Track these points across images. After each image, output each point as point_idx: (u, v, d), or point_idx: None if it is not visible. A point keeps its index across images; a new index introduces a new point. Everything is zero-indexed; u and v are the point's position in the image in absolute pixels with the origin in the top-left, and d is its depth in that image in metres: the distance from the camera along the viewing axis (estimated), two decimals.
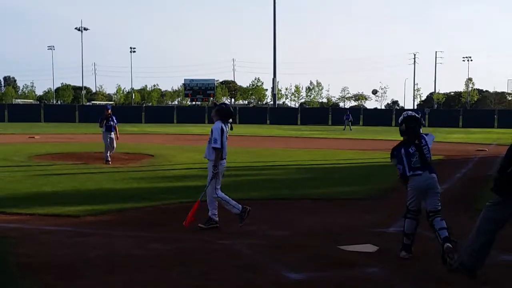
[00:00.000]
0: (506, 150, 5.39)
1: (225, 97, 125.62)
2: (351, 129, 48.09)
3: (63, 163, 17.01)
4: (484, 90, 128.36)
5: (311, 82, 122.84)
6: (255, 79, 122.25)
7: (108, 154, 17.19)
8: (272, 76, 72.47)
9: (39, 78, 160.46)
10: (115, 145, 17.61)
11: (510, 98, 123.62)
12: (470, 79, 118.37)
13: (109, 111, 17.63)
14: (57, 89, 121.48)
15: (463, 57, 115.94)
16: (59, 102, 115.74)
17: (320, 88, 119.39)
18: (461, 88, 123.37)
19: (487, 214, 5.46)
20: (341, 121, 53.89)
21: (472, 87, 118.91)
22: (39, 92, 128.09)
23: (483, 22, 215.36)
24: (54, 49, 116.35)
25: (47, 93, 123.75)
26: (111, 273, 6.00)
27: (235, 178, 14.43)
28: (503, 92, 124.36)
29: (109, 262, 6.40)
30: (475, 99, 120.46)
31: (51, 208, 9.53)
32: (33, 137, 30.17)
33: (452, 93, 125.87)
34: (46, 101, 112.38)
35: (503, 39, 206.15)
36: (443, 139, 32.88)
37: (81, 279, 5.74)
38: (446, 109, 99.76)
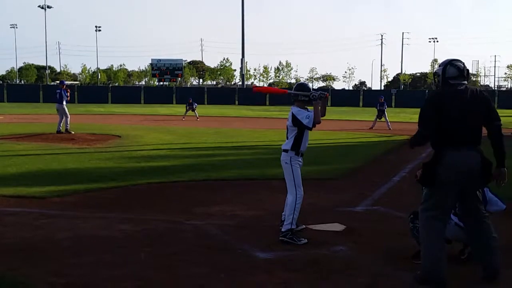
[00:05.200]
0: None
1: (193, 78, 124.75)
2: None
3: (27, 143, 16.68)
4: None
5: (280, 63, 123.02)
6: (224, 59, 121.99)
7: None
8: (240, 57, 72.13)
9: (2, 58, 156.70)
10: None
11: (474, 79, 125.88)
12: (435, 60, 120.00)
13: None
14: (20, 69, 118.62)
15: (429, 38, 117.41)
16: (22, 82, 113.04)
17: (289, 68, 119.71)
18: (427, 69, 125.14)
19: (425, 217, 5.10)
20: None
21: None
22: (1, 71, 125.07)
23: (449, 4, 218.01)
24: (16, 28, 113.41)
25: (9, 72, 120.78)
26: (79, 254, 5.94)
27: (204, 158, 14.41)
28: None
29: (77, 244, 6.33)
30: None
31: (16, 189, 9.35)
32: None
33: (418, 74, 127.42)
34: (9, 81, 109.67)
35: (468, 20, 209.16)
36: (409, 120, 33.38)
37: (48, 261, 5.66)
38: (412, 90, 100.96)
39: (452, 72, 5.01)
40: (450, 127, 4.91)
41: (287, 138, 6.72)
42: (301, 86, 6.88)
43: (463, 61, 5.10)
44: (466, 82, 5.08)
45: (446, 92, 5.02)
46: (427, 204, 5.14)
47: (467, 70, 5.11)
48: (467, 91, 5.00)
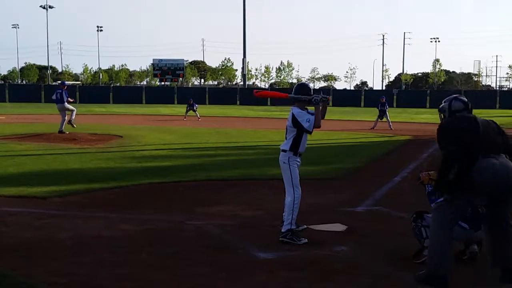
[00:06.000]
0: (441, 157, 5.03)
1: (194, 78, 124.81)
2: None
3: (29, 143, 16.69)
4: (451, 71, 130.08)
5: (281, 63, 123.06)
6: (225, 59, 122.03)
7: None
8: (242, 57, 72.24)
9: (3, 57, 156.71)
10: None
11: (476, 79, 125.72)
12: (437, 60, 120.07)
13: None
14: (22, 69, 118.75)
15: (431, 38, 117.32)
16: (24, 82, 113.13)
17: (290, 68, 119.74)
18: (428, 69, 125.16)
19: (439, 216, 5.12)
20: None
21: (439, 68, 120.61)
22: (3, 71, 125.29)
23: (450, 3, 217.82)
24: (18, 28, 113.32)
25: (11, 72, 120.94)
26: (80, 254, 5.95)
27: (206, 158, 14.42)
28: (469, 73, 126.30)
29: (78, 244, 6.34)
30: (442, 80, 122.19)
31: (17, 189, 9.37)
32: None
33: (419, 74, 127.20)
34: (10, 81, 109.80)
35: (470, 20, 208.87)
36: (410, 120, 33.39)
37: (49, 261, 5.67)
38: (413, 89, 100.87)
39: (458, 105, 5.31)
40: (475, 140, 4.95)
41: (286, 138, 6.71)
42: (302, 87, 6.88)
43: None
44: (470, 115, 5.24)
45: (458, 116, 5.20)
46: (445, 205, 5.11)
47: (471, 105, 5.36)
48: (475, 116, 5.15)
